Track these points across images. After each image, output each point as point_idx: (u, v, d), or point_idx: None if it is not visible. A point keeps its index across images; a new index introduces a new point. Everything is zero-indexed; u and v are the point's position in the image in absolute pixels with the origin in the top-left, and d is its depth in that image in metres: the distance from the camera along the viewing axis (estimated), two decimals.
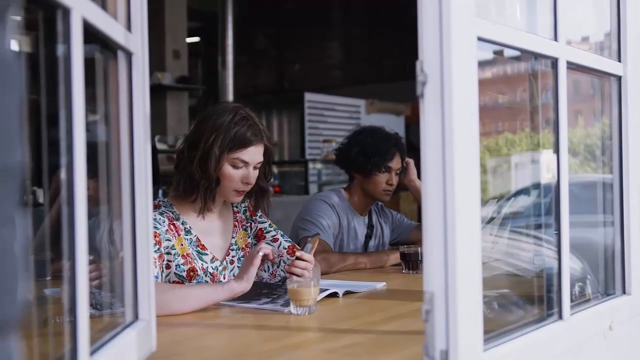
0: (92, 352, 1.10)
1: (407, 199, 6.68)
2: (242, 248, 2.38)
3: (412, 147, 4.05)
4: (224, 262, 2.30)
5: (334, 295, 2.13)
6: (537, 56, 1.58)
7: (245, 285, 1.96)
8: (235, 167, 2.21)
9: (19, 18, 0.60)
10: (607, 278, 1.89)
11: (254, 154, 2.22)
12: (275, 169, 7.82)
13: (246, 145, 2.20)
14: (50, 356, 1.13)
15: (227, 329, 1.79)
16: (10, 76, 0.55)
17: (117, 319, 1.39)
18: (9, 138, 0.55)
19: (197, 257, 2.22)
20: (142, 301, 1.40)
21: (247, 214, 2.44)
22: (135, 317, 1.39)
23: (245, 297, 2.05)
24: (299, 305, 1.88)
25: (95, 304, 1.42)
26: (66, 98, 1.01)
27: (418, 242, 2.98)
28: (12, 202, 0.56)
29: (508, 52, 1.55)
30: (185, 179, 2.22)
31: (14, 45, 0.58)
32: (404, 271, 2.70)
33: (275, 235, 2.42)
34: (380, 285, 2.38)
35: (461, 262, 1.17)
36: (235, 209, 2.43)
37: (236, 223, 2.40)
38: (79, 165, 1.02)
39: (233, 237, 2.37)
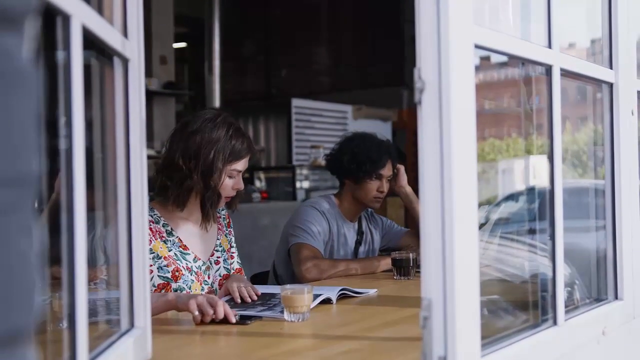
0: None
1: (394, 204, 6.68)
2: (227, 250, 2.46)
3: (398, 153, 4.06)
4: (208, 262, 2.37)
5: (326, 301, 2.13)
6: (532, 63, 1.59)
7: (182, 304, 1.89)
8: (231, 177, 2.30)
9: (36, 27, 0.60)
10: (599, 283, 1.90)
11: (246, 162, 2.35)
12: (262, 175, 7.80)
13: (243, 157, 2.31)
14: None
15: (221, 336, 1.78)
16: (28, 85, 0.55)
17: (111, 326, 1.38)
18: (26, 147, 0.55)
19: (180, 257, 2.27)
20: (138, 309, 1.39)
21: (225, 222, 2.52)
22: (131, 324, 1.38)
23: (241, 306, 2.05)
24: (292, 312, 1.87)
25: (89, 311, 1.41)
26: (66, 104, 1.01)
27: (408, 248, 2.98)
28: (29, 211, 0.56)
29: (494, 58, 1.56)
30: (186, 191, 2.26)
31: (31, 54, 0.58)
32: (395, 277, 2.70)
33: (233, 253, 2.52)
34: (373, 292, 2.38)
35: (459, 268, 1.17)
36: (216, 213, 2.48)
37: (219, 227, 2.47)
38: (77, 171, 1.01)
39: (218, 239, 2.44)
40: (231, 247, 2.52)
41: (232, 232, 2.55)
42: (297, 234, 2.92)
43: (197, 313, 1.82)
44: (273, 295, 2.21)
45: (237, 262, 2.52)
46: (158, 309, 1.92)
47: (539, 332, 1.50)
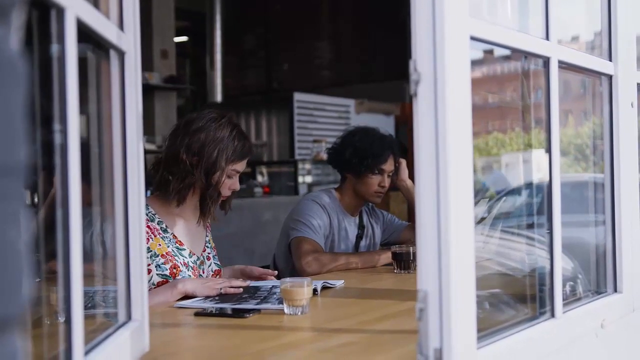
0: (86, 352, 1.10)
1: (396, 198, 6.69)
2: (214, 248, 2.51)
3: (401, 148, 4.06)
4: (201, 257, 2.41)
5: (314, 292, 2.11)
6: (529, 55, 1.59)
7: (190, 286, 2.12)
8: (229, 177, 2.34)
9: (23, 16, 0.60)
10: (598, 276, 1.90)
11: (245, 164, 2.39)
12: (264, 170, 7.81)
13: (244, 158, 2.36)
14: (44, 356, 1.13)
15: (220, 329, 1.78)
16: (15, 75, 0.56)
17: (110, 319, 1.39)
18: (13, 137, 0.55)
19: (177, 254, 2.30)
20: (135, 301, 1.39)
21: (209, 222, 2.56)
22: (129, 317, 1.38)
23: (232, 301, 2.04)
24: (291, 305, 1.87)
25: (87, 304, 1.41)
26: (60, 98, 1.01)
27: (409, 242, 2.98)
28: (17, 200, 0.56)
29: (498, 52, 1.56)
30: (187, 187, 2.29)
31: (19, 44, 0.58)
32: (395, 271, 2.70)
33: (212, 253, 2.52)
34: (340, 282, 2.40)
35: (455, 260, 1.17)
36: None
37: (208, 225, 2.51)
38: (73, 166, 1.01)
39: (207, 236, 2.49)
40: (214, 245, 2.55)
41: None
42: (297, 228, 2.92)
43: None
44: (258, 288, 2.22)
45: (215, 263, 2.52)
46: (173, 298, 2.10)
47: (536, 325, 1.50)
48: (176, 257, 2.28)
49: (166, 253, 2.26)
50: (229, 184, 2.34)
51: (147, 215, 2.28)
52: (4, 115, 0.54)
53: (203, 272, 2.39)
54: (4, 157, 0.54)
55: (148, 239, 2.22)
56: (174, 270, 2.25)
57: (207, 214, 2.35)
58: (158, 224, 2.30)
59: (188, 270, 2.30)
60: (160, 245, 2.26)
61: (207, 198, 2.31)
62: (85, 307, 1.19)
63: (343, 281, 2.43)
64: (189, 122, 2.33)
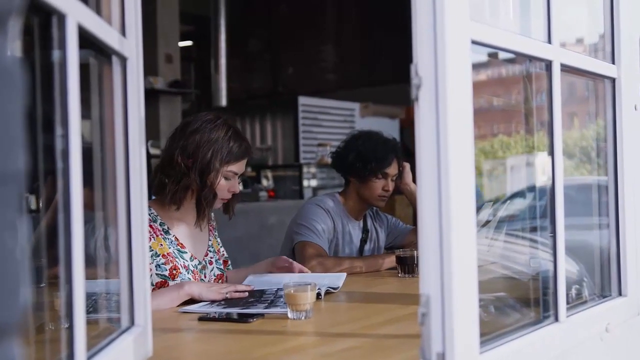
0: (89, 358, 1.10)
1: (402, 202, 6.68)
2: (217, 251, 2.50)
3: (406, 151, 4.05)
4: (203, 262, 2.40)
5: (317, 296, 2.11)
6: (531, 59, 1.58)
7: (197, 289, 2.11)
8: (226, 178, 2.33)
9: (20, 24, 0.61)
10: (603, 280, 1.89)
11: (243, 165, 2.38)
12: (269, 173, 7.80)
13: (239, 159, 2.34)
14: None
15: (223, 333, 1.78)
16: (13, 83, 0.56)
17: (112, 324, 1.39)
18: (11, 144, 0.55)
19: (178, 256, 2.30)
20: (138, 307, 1.39)
21: (215, 225, 2.57)
22: (132, 322, 1.38)
23: (237, 305, 2.04)
24: (295, 310, 1.87)
25: (89, 309, 1.42)
26: (61, 103, 1.01)
27: (413, 245, 2.97)
28: (14, 207, 0.56)
29: (502, 55, 1.56)
30: (183, 189, 2.29)
31: (16, 52, 0.58)
32: (399, 275, 2.70)
33: (224, 254, 2.55)
34: (342, 277, 2.41)
35: (457, 264, 1.17)
36: (211, 214, 2.53)
37: (211, 228, 2.51)
38: (75, 171, 1.02)
39: (209, 240, 2.48)
40: (220, 247, 2.55)
41: (217, 235, 2.58)
42: (301, 232, 2.92)
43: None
44: (263, 292, 2.22)
45: (218, 267, 2.51)
46: (179, 300, 2.09)
47: (540, 329, 1.49)
48: (177, 259, 2.28)
49: (167, 254, 2.27)
50: (228, 186, 2.34)
51: (149, 215, 2.28)
52: (1, 122, 0.55)
53: (205, 277, 2.39)
54: (1, 165, 0.55)
55: (150, 238, 2.23)
56: (174, 272, 2.25)
57: (203, 216, 2.35)
58: (160, 225, 2.31)
59: (188, 273, 2.29)
60: (161, 245, 2.27)
61: (202, 199, 2.31)
62: (88, 312, 1.19)
63: (345, 274, 2.45)
64: (186, 124, 2.34)
